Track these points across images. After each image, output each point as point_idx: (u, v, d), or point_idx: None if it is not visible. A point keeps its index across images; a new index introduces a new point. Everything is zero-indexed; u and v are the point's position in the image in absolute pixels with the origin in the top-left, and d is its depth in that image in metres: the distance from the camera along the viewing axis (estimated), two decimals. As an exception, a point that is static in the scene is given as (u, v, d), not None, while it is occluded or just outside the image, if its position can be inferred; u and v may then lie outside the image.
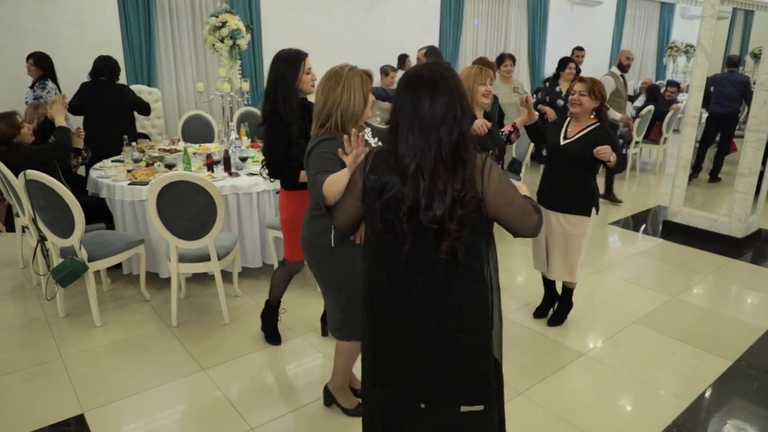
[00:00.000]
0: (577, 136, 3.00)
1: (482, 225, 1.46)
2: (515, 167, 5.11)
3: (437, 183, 1.38)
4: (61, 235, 3.16)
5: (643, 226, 5.40)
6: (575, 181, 3.03)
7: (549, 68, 10.41)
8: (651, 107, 6.99)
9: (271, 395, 2.68)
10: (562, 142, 3.04)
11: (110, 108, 4.43)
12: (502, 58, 5.62)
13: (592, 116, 3.02)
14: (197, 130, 5.48)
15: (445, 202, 1.37)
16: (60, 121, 3.54)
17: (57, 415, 2.48)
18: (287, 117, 2.57)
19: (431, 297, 1.48)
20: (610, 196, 5.98)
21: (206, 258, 3.22)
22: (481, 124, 2.74)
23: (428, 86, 1.39)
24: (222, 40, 4.13)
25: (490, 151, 2.87)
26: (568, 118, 3.12)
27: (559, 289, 3.39)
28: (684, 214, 4.96)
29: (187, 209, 3.06)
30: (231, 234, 3.56)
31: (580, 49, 6.80)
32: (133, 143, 3.98)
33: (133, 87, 5.70)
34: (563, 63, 5.99)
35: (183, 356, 2.98)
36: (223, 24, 4.12)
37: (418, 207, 1.40)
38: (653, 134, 7.32)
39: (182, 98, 6.46)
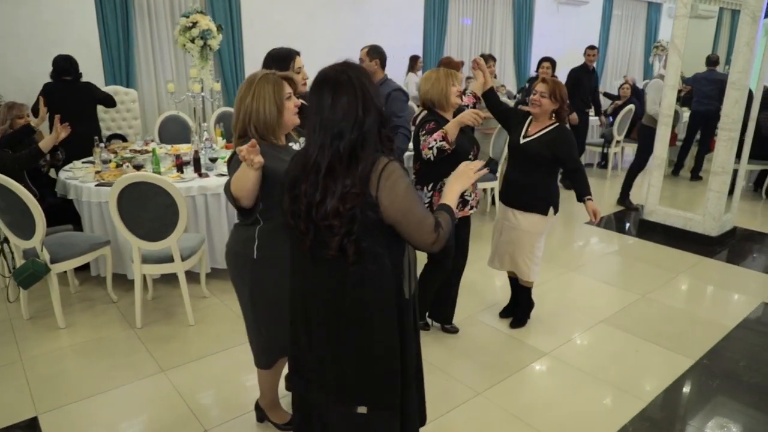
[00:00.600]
0: (536, 136, 2.99)
1: (380, 229, 1.44)
2: (492, 167, 5.11)
3: (329, 180, 1.40)
4: (22, 237, 3.13)
5: (619, 225, 5.41)
6: (533, 179, 3.03)
7: (534, 68, 10.44)
8: (631, 106, 7.00)
9: (228, 397, 2.66)
10: (522, 141, 3.03)
11: (78, 107, 4.38)
12: (484, 60, 5.57)
13: (552, 118, 3.03)
14: (174, 131, 5.45)
15: (334, 198, 1.39)
16: (46, 145, 3.48)
17: (9, 418, 2.45)
18: None
19: (333, 296, 1.50)
20: (625, 202, 5.90)
21: (170, 259, 3.21)
22: (472, 115, 2.68)
23: (331, 86, 1.42)
24: (193, 41, 4.11)
25: (471, 153, 2.82)
26: (530, 116, 3.11)
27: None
28: (660, 213, 4.96)
29: (149, 210, 3.04)
30: (197, 235, 3.54)
31: (591, 48, 6.52)
32: (102, 144, 3.95)
33: (110, 88, 5.69)
34: (540, 63, 6.00)
35: (144, 358, 2.96)
36: (194, 24, 4.10)
37: (314, 202, 1.42)
38: (635, 133, 7.32)
39: (161, 99, 6.42)
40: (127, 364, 2.90)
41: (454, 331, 3.23)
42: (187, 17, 4.13)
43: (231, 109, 5.72)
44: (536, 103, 2.98)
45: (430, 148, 2.67)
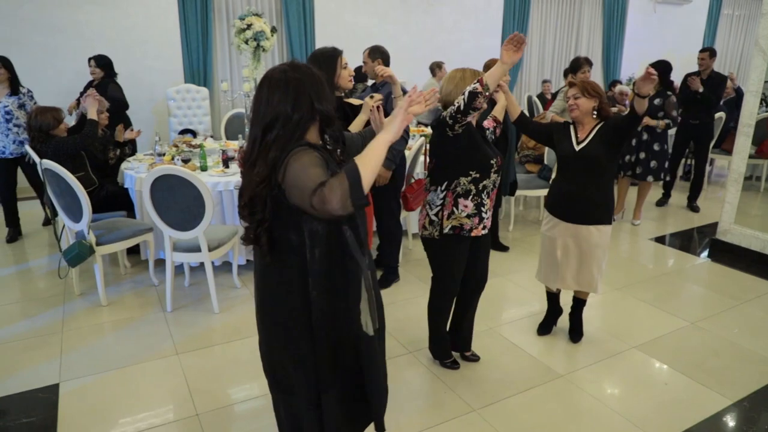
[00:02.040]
0: (590, 138, 2.82)
1: (292, 216, 1.48)
2: (545, 174, 4.86)
3: (250, 171, 1.46)
4: (74, 220, 3.44)
5: (689, 245, 4.92)
6: (595, 188, 2.83)
7: (625, 72, 9.76)
8: (722, 114, 6.34)
9: (227, 385, 2.75)
10: (578, 148, 2.83)
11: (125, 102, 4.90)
12: (578, 64, 4.95)
13: (594, 116, 2.84)
14: (239, 128, 5.74)
15: (249, 188, 1.45)
16: (92, 114, 3.85)
17: (35, 382, 2.71)
18: None
19: (260, 281, 1.63)
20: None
21: (199, 248, 3.37)
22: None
23: (267, 83, 1.48)
24: (246, 42, 4.30)
25: (493, 160, 2.58)
26: (571, 125, 2.93)
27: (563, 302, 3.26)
28: (735, 233, 4.45)
29: (178, 201, 3.22)
30: (229, 227, 3.69)
31: (703, 51, 5.57)
32: (156, 138, 4.25)
33: (182, 86, 6.11)
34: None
35: (165, 340, 3.14)
36: (249, 26, 4.28)
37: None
38: (726, 144, 6.63)
39: (236, 97, 6.79)
40: (149, 345, 3.09)
41: (475, 359, 2.94)
42: (243, 19, 4.32)
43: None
44: (574, 107, 2.83)
45: (463, 95, 2.32)
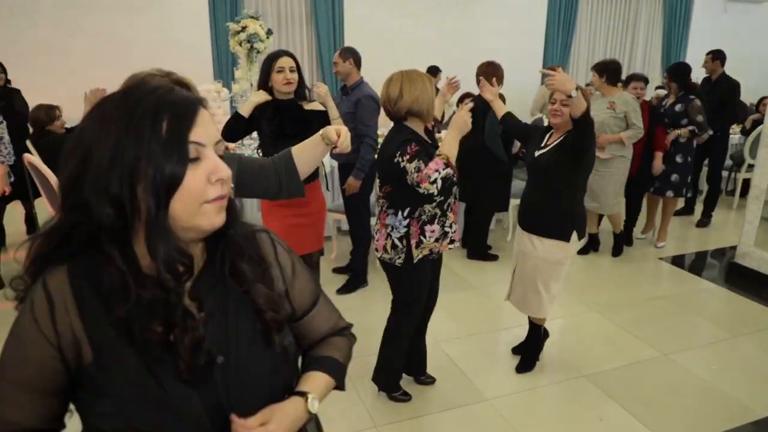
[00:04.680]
0: (550, 147, 2.61)
1: None
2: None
3: None
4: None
5: (703, 267, 4.42)
6: (550, 198, 2.61)
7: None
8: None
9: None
10: (536, 154, 2.64)
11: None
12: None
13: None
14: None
15: None
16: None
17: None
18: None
19: None
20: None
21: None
22: (465, 117, 2.21)
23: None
24: (240, 44, 4.38)
25: (454, 177, 2.22)
26: (551, 129, 2.70)
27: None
28: (754, 257, 3.95)
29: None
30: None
31: (707, 54, 5.45)
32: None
33: (202, 86, 6.34)
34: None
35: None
36: (243, 29, 4.37)
37: None
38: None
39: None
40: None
41: (430, 381, 2.73)
42: (238, 22, 4.41)
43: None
44: (557, 113, 2.54)
45: (433, 182, 2.09)
